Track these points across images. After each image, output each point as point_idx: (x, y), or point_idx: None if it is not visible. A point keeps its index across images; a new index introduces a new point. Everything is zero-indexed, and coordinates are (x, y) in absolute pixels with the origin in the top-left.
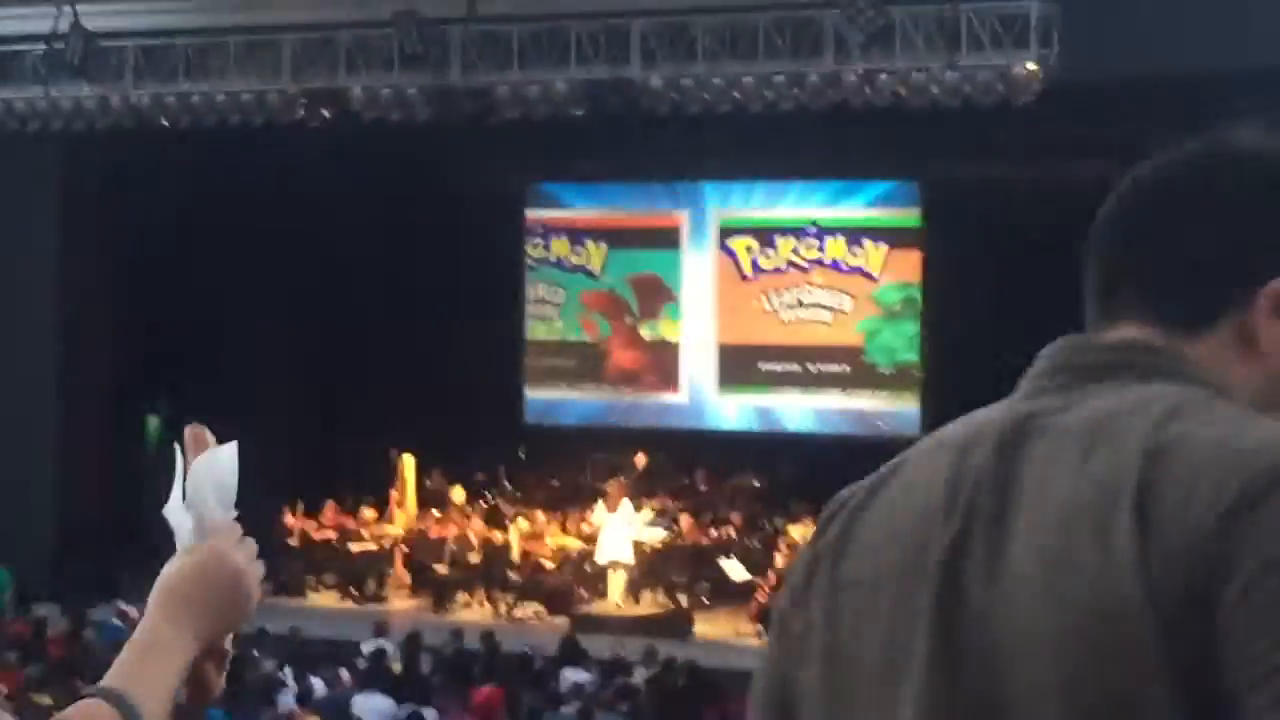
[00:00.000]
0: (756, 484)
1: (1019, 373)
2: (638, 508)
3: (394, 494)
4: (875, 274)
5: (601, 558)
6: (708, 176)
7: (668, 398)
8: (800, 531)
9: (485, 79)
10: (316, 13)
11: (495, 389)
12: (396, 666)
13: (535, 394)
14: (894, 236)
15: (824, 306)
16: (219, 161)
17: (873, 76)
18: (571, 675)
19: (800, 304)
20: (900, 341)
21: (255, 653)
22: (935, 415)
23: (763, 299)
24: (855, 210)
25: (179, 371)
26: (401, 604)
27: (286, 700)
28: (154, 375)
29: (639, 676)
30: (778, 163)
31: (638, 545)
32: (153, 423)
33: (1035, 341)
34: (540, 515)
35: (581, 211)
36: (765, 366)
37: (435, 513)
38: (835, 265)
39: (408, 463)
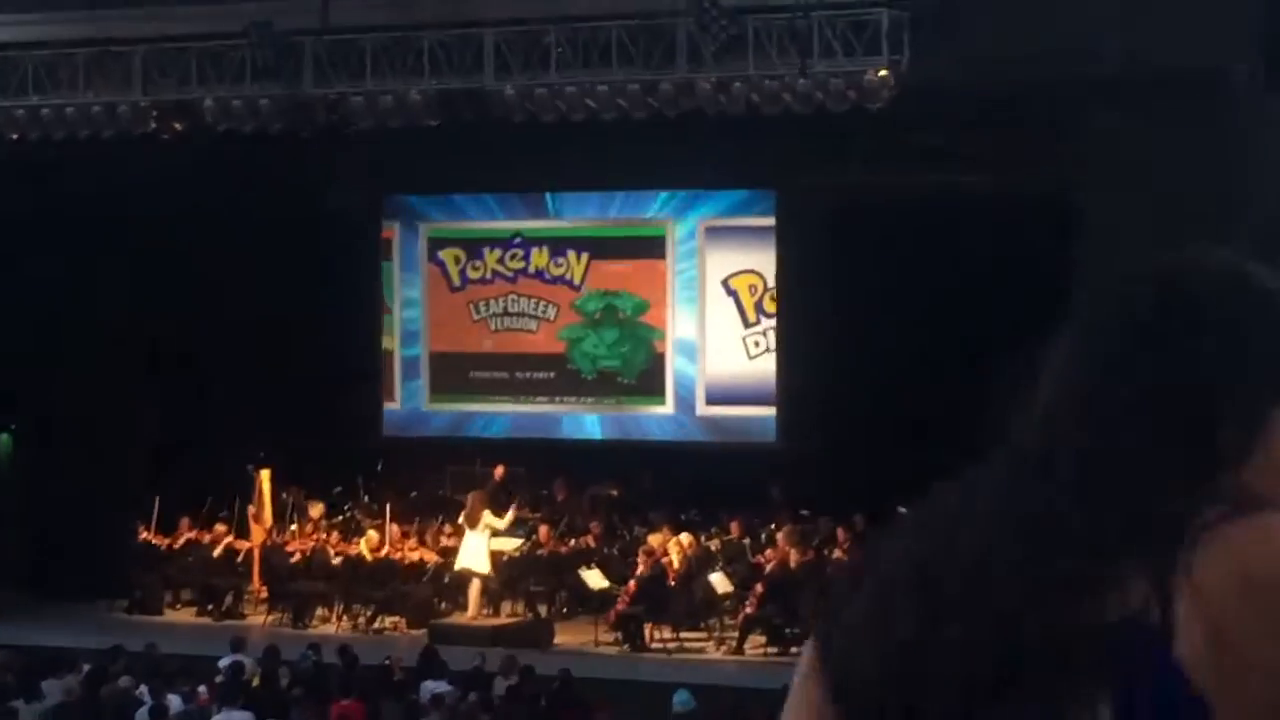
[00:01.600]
0: (614, 493)
1: (868, 377)
2: (499, 516)
3: (251, 509)
4: (577, 283)
5: (458, 566)
6: (564, 187)
7: (546, 409)
8: (658, 540)
9: (338, 89)
10: (167, 25)
11: (353, 402)
12: (255, 681)
13: (393, 406)
14: (636, 247)
15: (529, 315)
16: (67, 175)
17: (726, 85)
18: (432, 686)
19: (507, 313)
20: (602, 349)
21: (111, 670)
22: (789, 420)
23: (471, 309)
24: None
25: (28, 388)
26: (259, 619)
27: (144, 717)
28: (2, 393)
29: (499, 686)
30: (633, 172)
31: (496, 555)
32: (3, 440)
33: (883, 346)
34: (396, 528)
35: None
36: (475, 374)
37: (293, 527)
38: (539, 275)
39: (264, 477)
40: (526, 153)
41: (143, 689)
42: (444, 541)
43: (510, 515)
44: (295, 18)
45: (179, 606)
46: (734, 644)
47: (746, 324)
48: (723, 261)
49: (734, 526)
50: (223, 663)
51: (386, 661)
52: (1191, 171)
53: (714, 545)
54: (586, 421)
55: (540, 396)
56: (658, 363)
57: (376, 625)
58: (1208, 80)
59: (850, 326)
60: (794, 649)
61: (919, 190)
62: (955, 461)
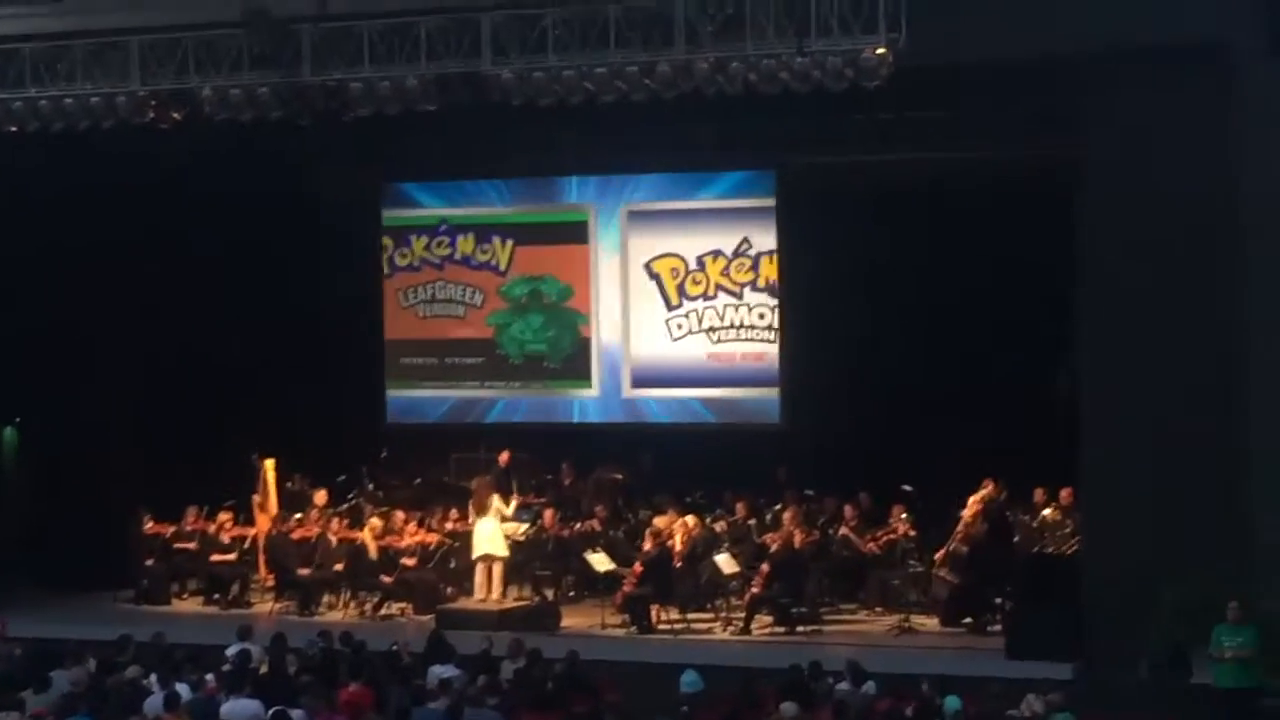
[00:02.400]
0: (619, 477)
1: (870, 355)
2: (505, 503)
3: (256, 498)
4: (503, 269)
5: (476, 553)
6: (567, 171)
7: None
8: (664, 522)
9: (336, 76)
10: (164, 15)
11: (356, 390)
12: (263, 669)
13: (396, 393)
14: (559, 232)
15: (457, 301)
16: (69, 167)
17: (724, 65)
18: (439, 671)
19: (435, 299)
20: (528, 333)
21: (118, 660)
22: (793, 399)
23: (399, 296)
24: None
25: (32, 381)
26: (265, 607)
27: (153, 706)
28: (6, 386)
29: (507, 670)
30: (633, 155)
31: (506, 539)
32: (8, 434)
33: (884, 323)
34: (400, 514)
35: (436, 210)
36: (405, 361)
37: (297, 516)
38: (465, 261)
39: (269, 467)
40: (525, 137)
41: (151, 678)
42: (449, 527)
43: (514, 502)
44: (292, 5)
45: (185, 596)
46: (740, 624)
47: (669, 307)
48: (644, 246)
49: (739, 507)
50: (230, 651)
51: (394, 647)
52: (1192, 144)
53: (719, 526)
54: (590, 406)
55: (469, 381)
56: (583, 346)
57: (383, 611)
58: (1208, 52)
59: (851, 305)
60: (800, 628)
61: (918, 168)
62: (958, 438)
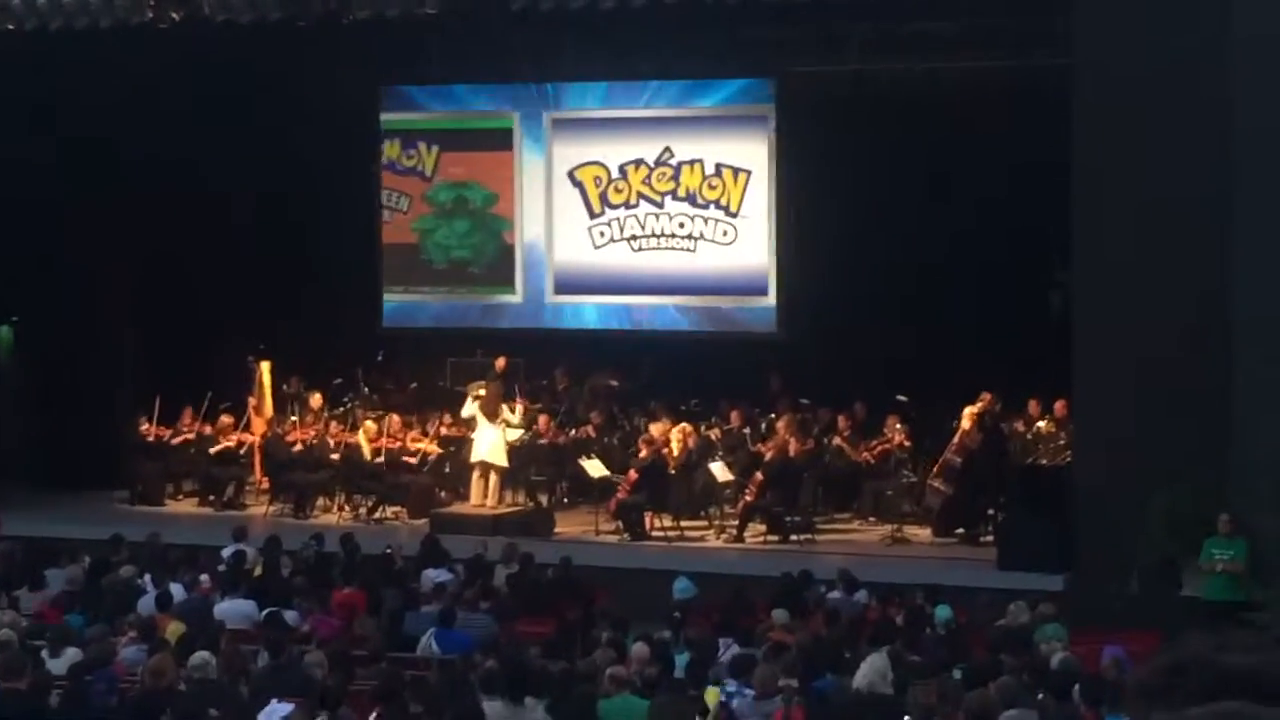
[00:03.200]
0: (614, 383)
1: (867, 266)
2: (511, 409)
3: (251, 400)
4: (428, 174)
5: (474, 458)
6: (561, 78)
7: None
8: (659, 429)
9: None
10: None
11: (352, 293)
12: (257, 571)
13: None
14: (483, 139)
15: (384, 206)
16: (65, 65)
17: None
18: (433, 575)
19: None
20: (453, 239)
21: (113, 559)
22: (788, 308)
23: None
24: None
25: (30, 280)
26: (260, 509)
27: (147, 605)
28: (3, 285)
29: (500, 575)
30: (630, 62)
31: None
32: (4, 332)
33: (882, 234)
34: (396, 418)
35: (429, 114)
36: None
37: (293, 419)
38: (391, 166)
39: (265, 369)
40: (526, 43)
41: (145, 578)
42: (444, 432)
43: (520, 409)
44: None
45: (181, 498)
46: (734, 532)
47: (592, 215)
48: (568, 153)
49: (734, 416)
50: (225, 552)
51: (388, 550)
52: (1188, 53)
53: (714, 434)
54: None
55: (395, 286)
56: (507, 253)
57: (378, 515)
58: None
59: (848, 215)
60: (793, 537)
61: (917, 77)
62: (954, 349)
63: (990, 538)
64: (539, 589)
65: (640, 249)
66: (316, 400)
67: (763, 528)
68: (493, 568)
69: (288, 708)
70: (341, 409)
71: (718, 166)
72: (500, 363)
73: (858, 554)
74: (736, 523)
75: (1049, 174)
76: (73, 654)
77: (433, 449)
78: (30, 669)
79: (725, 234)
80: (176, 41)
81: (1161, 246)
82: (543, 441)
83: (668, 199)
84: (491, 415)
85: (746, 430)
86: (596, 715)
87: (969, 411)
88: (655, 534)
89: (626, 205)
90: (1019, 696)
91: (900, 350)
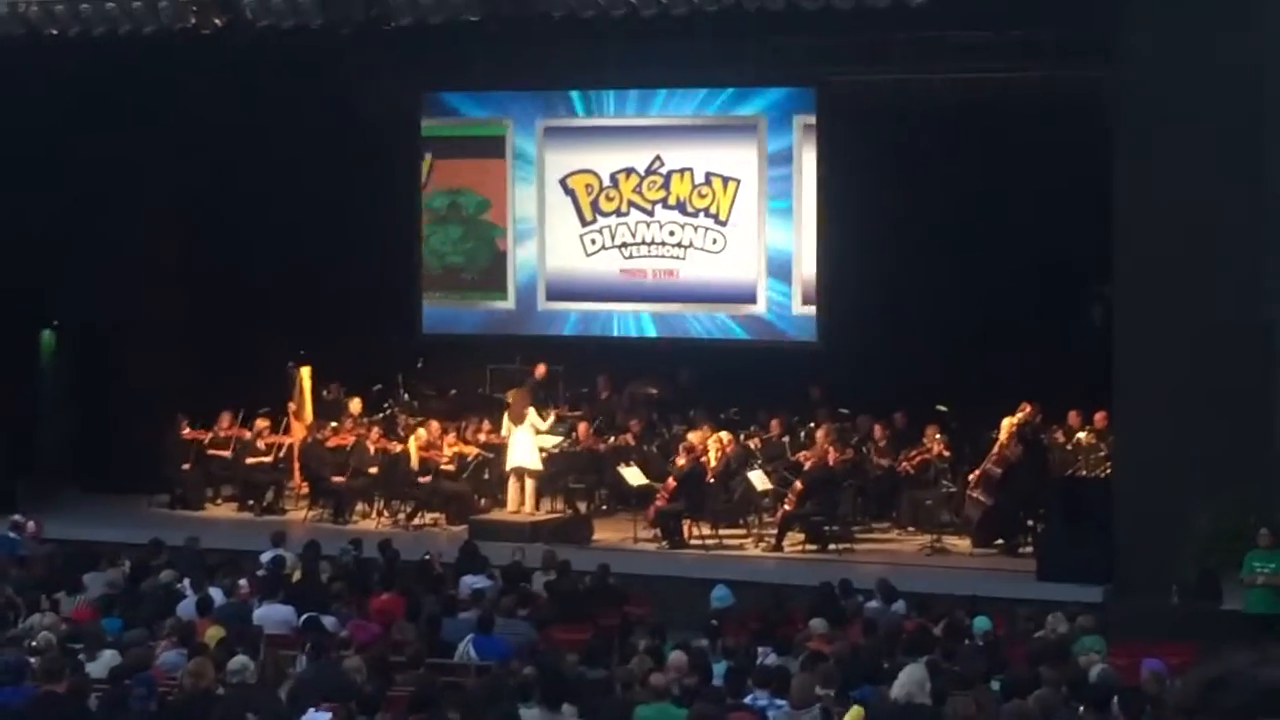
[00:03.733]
0: (654, 391)
1: (907, 275)
2: (542, 416)
3: (291, 406)
4: (423, 181)
5: (509, 465)
6: (604, 85)
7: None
8: (698, 437)
9: None
10: None
11: (393, 299)
12: (296, 576)
13: (432, 304)
14: (477, 147)
15: None
16: (109, 71)
17: None
18: (471, 581)
19: None
20: (447, 245)
21: (153, 563)
22: (828, 316)
23: None
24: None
25: (71, 285)
26: (299, 514)
27: (186, 610)
28: (47, 289)
29: (538, 582)
30: (673, 70)
31: (541, 452)
32: (46, 336)
33: (923, 243)
34: (436, 425)
35: (475, 119)
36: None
37: (333, 424)
38: None
39: (305, 375)
40: (567, 49)
41: (184, 582)
42: (484, 439)
43: (551, 418)
44: None
45: (220, 502)
46: (772, 541)
47: (584, 223)
48: (560, 162)
49: (773, 425)
50: (264, 557)
51: (426, 557)
52: (1226, 63)
53: (753, 443)
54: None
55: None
56: (499, 259)
57: (416, 521)
58: None
59: (889, 225)
60: (832, 546)
61: (958, 87)
62: (995, 359)
63: (1029, 549)
64: (577, 596)
65: (631, 256)
66: (356, 406)
67: (801, 537)
68: (531, 575)
69: (326, 715)
70: (381, 415)
71: (707, 175)
72: (540, 370)
73: (896, 564)
74: (775, 531)
75: (1090, 184)
76: (110, 657)
77: (471, 450)
78: (69, 672)
79: (714, 242)
80: (219, 47)
81: (1202, 258)
82: (581, 449)
83: (658, 207)
84: (517, 420)
85: (786, 439)
86: None
87: (1009, 422)
88: (693, 542)
89: (618, 213)
90: (1057, 709)
91: (941, 360)
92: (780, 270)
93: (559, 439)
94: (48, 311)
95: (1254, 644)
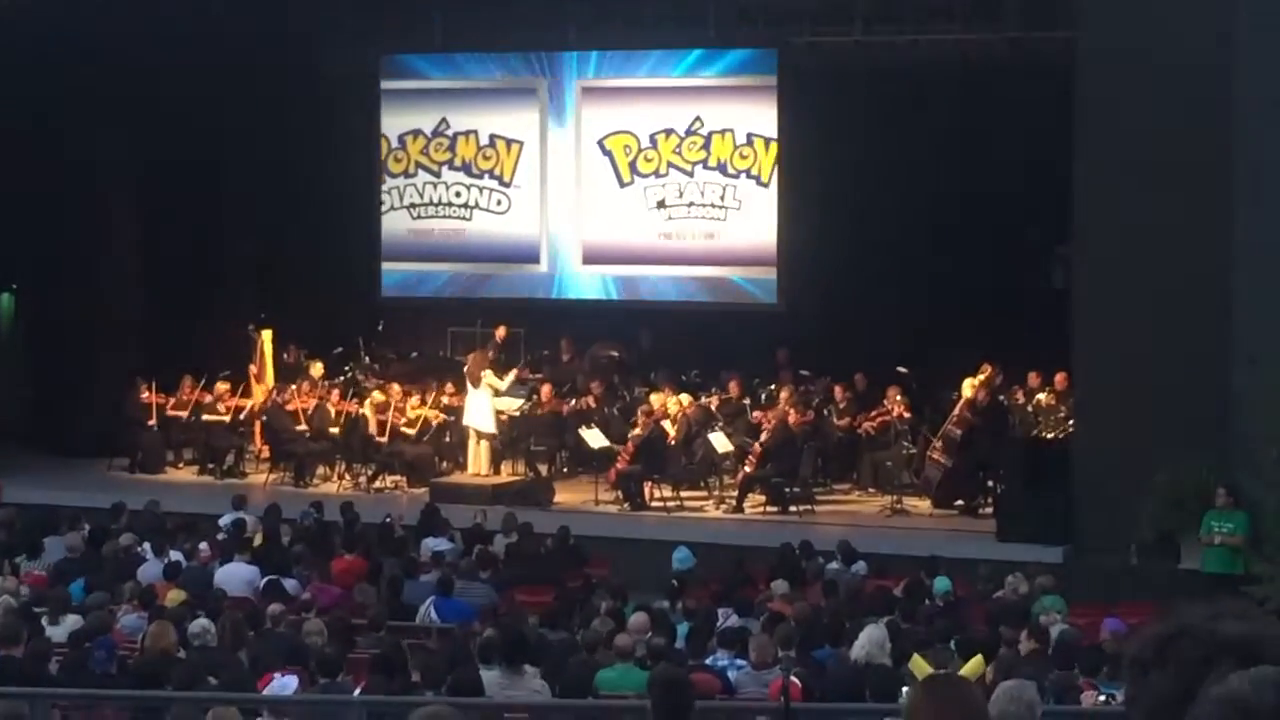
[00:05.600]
0: (615, 354)
1: (868, 238)
2: (501, 377)
3: (252, 369)
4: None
5: (464, 423)
6: (567, 46)
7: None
8: (658, 400)
9: None
10: None
11: (352, 263)
12: (257, 539)
13: (392, 267)
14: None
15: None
16: (68, 33)
17: None
18: (432, 544)
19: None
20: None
21: (113, 527)
22: (788, 282)
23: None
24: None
25: (29, 247)
26: (260, 478)
27: (147, 573)
28: (4, 252)
29: (499, 544)
30: (635, 31)
31: (498, 414)
32: (4, 300)
33: (883, 206)
34: (397, 387)
35: (436, 82)
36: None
37: (293, 387)
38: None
39: (266, 338)
40: (531, 11)
41: (145, 546)
42: (445, 401)
43: (511, 376)
44: None
45: (181, 466)
46: (733, 503)
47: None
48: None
49: (733, 386)
50: (224, 520)
51: (387, 519)
52: (1189, 30)
53: (713, 405)
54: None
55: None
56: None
57: (377, 484)
58: None
59: (850, 187)
60: (793, 508)
61: (921, 48)
62: (955, 321)
63: (990, 510)
64: (538, 558)
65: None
66: (317, 369)
67: (762, 498)
68: (492, 537)
69: (293, 679)
70: (342, 378)
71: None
72: (500, 332)
73: (856, 525)
74: (736, 493)
75: (1051, 146)
76: (73, 621)
77: (433, 415)
78: (27, 636)
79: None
80: (181, 7)
81: (1163, 220)
82: (542, 411)
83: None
84: (474, 382)
85: (746, 401)
86: (594, 684)
87: (969, 383)
88: (654, 504)
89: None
90: (1017, 668)
91: (901, 322)
92: None
93: (520, 401)
94: (6, 274)
95: (1209, 600)
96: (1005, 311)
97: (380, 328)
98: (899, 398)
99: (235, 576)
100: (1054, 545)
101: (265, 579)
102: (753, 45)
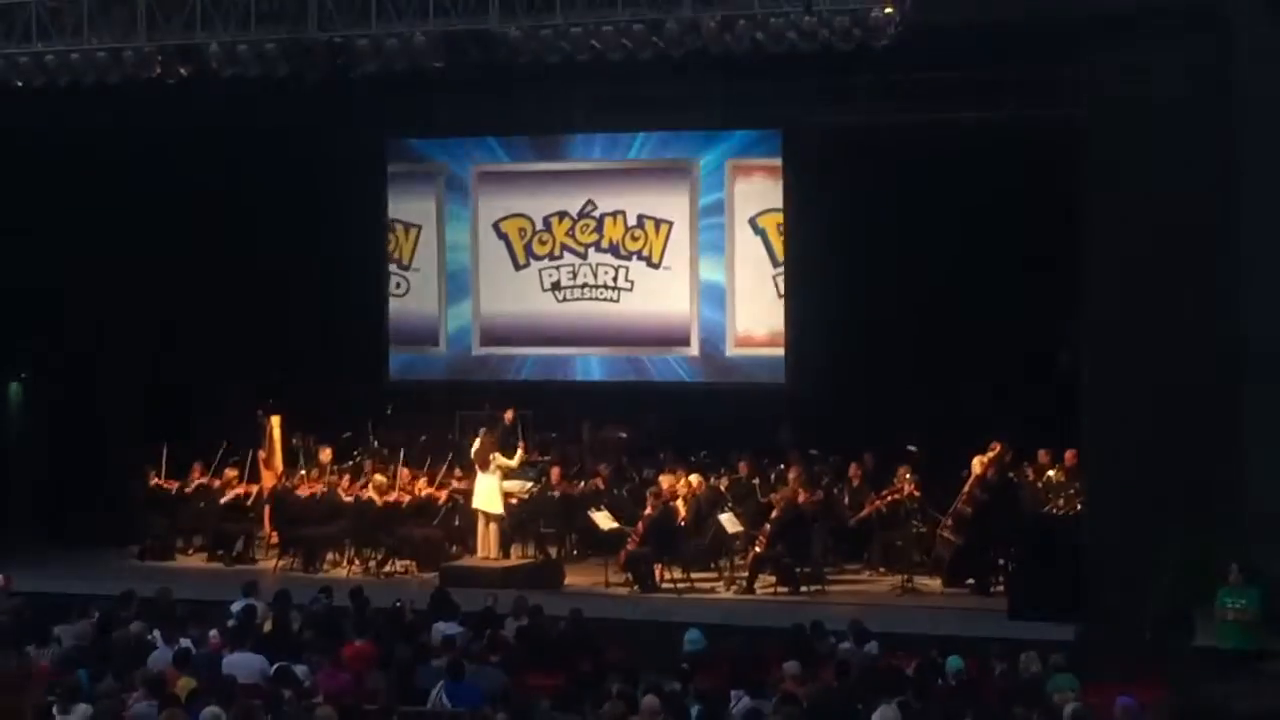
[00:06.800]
0: (623, 435)
1: (876, 316)
2: (508, 456)
3: (261, 454)
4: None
5: (474, 506)
6: (573, 129)
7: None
8: (667, 481)
9: (343, 33)
10: None
11: (360, 347)
12: (267, 626)
13: (400, 351)
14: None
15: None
16: (74, 122)
17: (731, 23)
18: (443, 628)
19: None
20: None
21: (123, 614)
22: (796, 363)
23: None
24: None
25: (38, 337)
26: (270, 564)
27: (156, 661)
28: (12, 341)
29: (510, 627)
30: (639, 114)
31: (506, 497)
32: (14, 389)
33: (891, 284)
34: (406, 470)
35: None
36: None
37: (302, 472)
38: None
39: (275, 423)
40: (534, 94)
41: (155, 633)
42: (454, 484)
43: (519, 455)
44: None
45: (190, 552)
46: (744, 583)
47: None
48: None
49: (743, 467)
50: (234, 607)
51: (397, 604)
52: (1192, 105)
53: (723, 485)
54: (593, 363)
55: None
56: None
57: (387, 568)
58: (1208, 12)
59: (857, 265)
60: (803, 588)
61: (925, 128)
62: (964, 400)
63: (1001, 588)
64: (549, 641)
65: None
66: (326, 454)
67: (773, 579)
68: (502, 621)
69: None
70: (351, 462)
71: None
72: (509, 415)
73: (868, 604)
74: (746, 574)
75: (1056, 224)
76: (84, 710)
77: (440, 495)
78: None
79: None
80: (185, 96)
81: (1171, 297)
82: (552, 493)
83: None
84: (483, 464)
85: (755, 481)
86: None
87: (979, 461)
88: (665, 586)
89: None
90: None
91: (910, 401)
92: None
93: (529, 483)
94: (15, 364)
95: (1223, 678)
96: (1014, 389)
97: (389, 411)
98: (909, 476)
99: (245, 664)
100: (1066, 622)
101: (276, 665)
102: (756, 126)
